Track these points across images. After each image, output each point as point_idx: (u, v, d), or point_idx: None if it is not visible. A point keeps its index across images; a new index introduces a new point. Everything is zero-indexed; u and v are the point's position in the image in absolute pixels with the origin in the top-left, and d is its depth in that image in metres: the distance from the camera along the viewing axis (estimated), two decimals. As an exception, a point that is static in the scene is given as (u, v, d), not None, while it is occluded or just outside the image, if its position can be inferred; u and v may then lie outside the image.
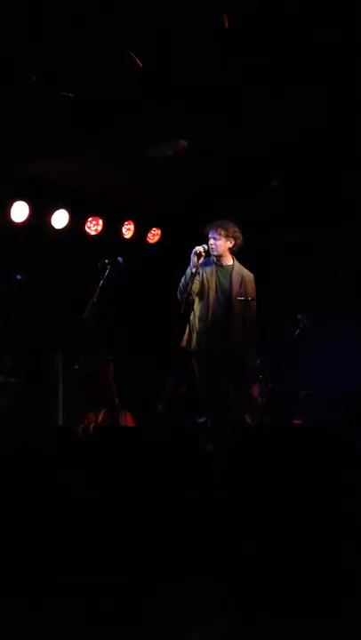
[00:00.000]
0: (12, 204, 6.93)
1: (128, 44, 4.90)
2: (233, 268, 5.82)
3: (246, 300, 5.72)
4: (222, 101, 5.61)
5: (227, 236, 5.75)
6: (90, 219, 7.58)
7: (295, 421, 6.89)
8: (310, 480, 3.69)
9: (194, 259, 5.63)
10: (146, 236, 8.21)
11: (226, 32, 4.63)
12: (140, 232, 8.09)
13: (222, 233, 5.74)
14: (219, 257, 5.79)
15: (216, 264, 5.82)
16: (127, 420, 7.22)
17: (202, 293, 5.74)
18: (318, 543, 3.38)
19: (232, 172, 7.03)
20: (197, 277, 5.67)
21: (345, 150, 6.54)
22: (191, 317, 5.67)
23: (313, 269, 7.98)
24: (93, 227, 7.61)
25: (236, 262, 5.86)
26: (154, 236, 8.28)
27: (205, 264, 5.74)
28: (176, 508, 3.83)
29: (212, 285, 5.76)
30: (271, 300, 6.42)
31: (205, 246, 5.69)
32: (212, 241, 5.74)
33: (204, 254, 5.66)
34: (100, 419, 6.90)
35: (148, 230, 8.22)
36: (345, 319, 7.87)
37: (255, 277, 5.87)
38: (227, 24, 4.59)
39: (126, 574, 3.37)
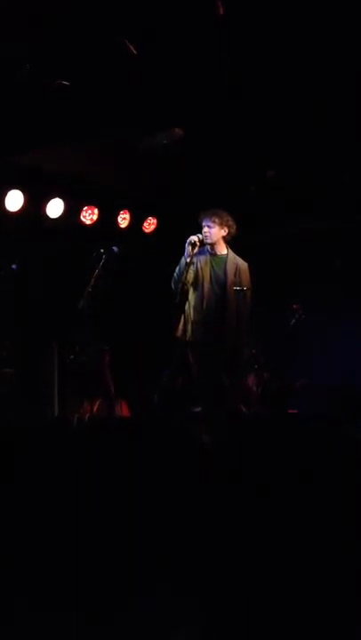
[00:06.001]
0: (6, 193, 6.89)
1: (123, 32, 4.86)
2: (227, 257, 5.79)
3: (241, 290, 5.70)
4: (219, 89, 5.57)
5: (221, 224, 5.73)
6: (85, 208, 7.55)
7: (291, 412, 6.88)
8: (307, 470, 3.68)
9: (188, 248, 5.61)
10: (142, 225, 8.17)
11: (221, 19, 4.59)
12: (136, 221, 8.06)
13: (216, 221, 5.71)
14: (213, 245, 5.76)
15: (210, 253, 5.79)
16: (123, 410, 7.21)
17: (196, 283, 5.71)
18: (317, 536, 3.37)
19: (228, 162, 6.99)
20: (192, 267, 5.65)
21: (341, 141, 6.51)
22: (186, 307, 5.64)
23: (311, 259, 7.96)
24: (89, 216, 7.57)
25: (231, 251, 5.83)
26: (150, 225, 8.24)
27: (200, 254, 5.72)
28: (171, 499, 3.82)
29: (207, 275, 5.73)
30: (268, 290, 6.41)
31: (200, 236, 5.67)
32: (205, 229, 5.71)
33: (198, 244, 5.63)
34: (95, 409, 6.89)
35: (144, 219, 8.18)
36: (341, 310, 7.86)
37: (251, 267, 5.86)
38: (221, 11, 4.56)
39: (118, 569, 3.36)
